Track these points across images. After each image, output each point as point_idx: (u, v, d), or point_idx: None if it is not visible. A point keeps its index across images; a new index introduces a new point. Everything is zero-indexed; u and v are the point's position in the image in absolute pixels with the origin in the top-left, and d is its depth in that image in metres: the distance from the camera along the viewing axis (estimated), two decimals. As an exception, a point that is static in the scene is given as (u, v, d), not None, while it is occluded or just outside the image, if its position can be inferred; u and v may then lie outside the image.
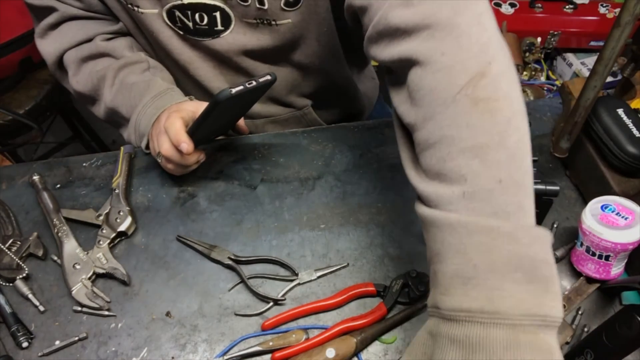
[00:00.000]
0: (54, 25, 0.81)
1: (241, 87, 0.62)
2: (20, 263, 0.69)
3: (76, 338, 0.64)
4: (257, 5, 0.71)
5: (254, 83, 0.64)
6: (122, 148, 0.81)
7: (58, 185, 0.80)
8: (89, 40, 0.82)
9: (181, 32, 0.77)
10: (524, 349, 0.35)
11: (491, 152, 0.40)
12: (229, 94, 0.61)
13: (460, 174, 0.40)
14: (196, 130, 0.68)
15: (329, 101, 0.97)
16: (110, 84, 0.81)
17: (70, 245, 0.71)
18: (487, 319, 0.36)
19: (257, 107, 0.92)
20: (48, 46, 0.83)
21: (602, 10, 1.87)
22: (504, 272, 0.37)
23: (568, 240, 0.75)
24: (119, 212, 0.74)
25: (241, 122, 0.79)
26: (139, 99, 0.78)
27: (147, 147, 0.79)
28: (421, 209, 0.44)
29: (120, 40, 0.84)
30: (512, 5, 1.85)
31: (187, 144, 0.68)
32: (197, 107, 0.72)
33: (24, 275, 0.69)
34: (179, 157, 0.71)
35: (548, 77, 1.87)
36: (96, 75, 0.81)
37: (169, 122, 0.69)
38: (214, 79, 0.85)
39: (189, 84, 0.87)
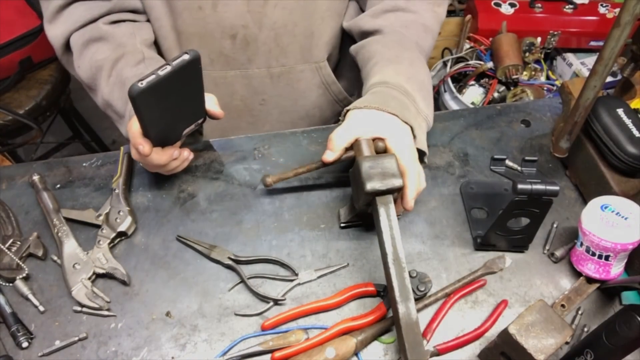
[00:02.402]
0: (62, 7, 0.81)
1: (152, 77, 0.58)
2: (20, 263, 0.69)
3: (76, 338, 0.64)
4: None
5: (168, 68, 0.59)
6: (122, 148, 0.81)
7: (58, 185, 0.80)
8: (94, 21, 0.82)
9: None
10: (410, 108, 0.73)
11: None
12: (138, 88, 0.57)
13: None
14: (147, 129, 0.66)
15: (343, 64, 1.00)
16: (107, 75, 0.80)
17: (70, 245, 0.71)
18: (407, 95, 0.73)
19: (273, 54, 0.91)
20: (56, 29, 0.82)
21: (602, 10, 1.87)
22: (421, 88, 0.77)
23: (568, 240, 0.75)
24: (119, 212, 0.74)
25: (212, 107, 0.72)
26: None
27: None
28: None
29: (122, 27, 0.83)
30: (512, 5, 1.85)
31: (143, 146, 0.66)
32: None
33: (24, 275, 0.69)
34: (144, 160, 0.69)
35: (548, 77, 1.87)
36: (95, 65, 0.81)
37: (128, 126, 0.68)
38: (240, 17, 0.84)
39: (207, 26, 0.85)
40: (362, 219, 0.75)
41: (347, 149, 0.70)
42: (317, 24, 0.89)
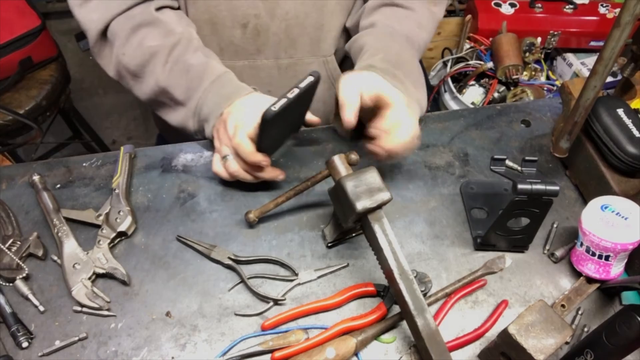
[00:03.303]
0: None
1: (284, 100, 0.63)
2: (20, 263, 0.69)
3: (76, 338, 0.64)
4: None
5: (297, 91, 0.64)
6: (122, 148, 0.81)
7: (58, 185, 0.80)
8: (136, 5, 0.79)
9: None
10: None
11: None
12: (272, 112, 0.62)
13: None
14: (263, 145, 0.70)
15: (347, 61, 1.01)
16: (164, 61, 0.78)
17: (70, 245, 0.71)
18: (395, 77, 0.76)
19: (283, 46, 0.92)
20: (91, 13, 0.78)
21: (602, 10, 1.87)
22: (410, 75, 0.79)
23: (568, 240, 0.75)
24: (119, 212, 0.74)
25: (311, 117, 0.78)
26: (198, 83, 0.77)
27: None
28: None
29: (168, 13, 0.82)
30: (512, 5, 1.85)
31: (265, 161, 0.71)
32: (258, 112, 0.67)
33: (24, 275, 0.69)
34: (256, 173, 0.74)
35: (548, 77, 1.87)
36: (148, 51, 0.78)
37: (238, 144, 0.70)
38: (253, 6, 0.85)
39: (219, 14, 0.85)
40: (348, 233, 0.75)
41: (322, 171, 0.71)
42: (326, 17, 0.90)
